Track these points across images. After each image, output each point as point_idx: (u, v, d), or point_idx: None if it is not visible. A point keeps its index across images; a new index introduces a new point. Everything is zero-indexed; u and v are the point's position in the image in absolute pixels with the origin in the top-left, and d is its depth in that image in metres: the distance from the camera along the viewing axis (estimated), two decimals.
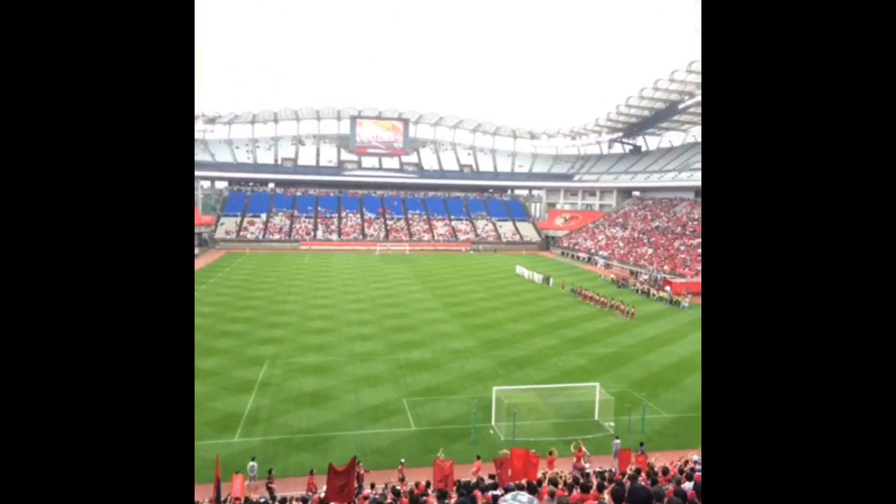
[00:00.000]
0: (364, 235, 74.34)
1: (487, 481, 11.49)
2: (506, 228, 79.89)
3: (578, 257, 66.66)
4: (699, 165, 68.85)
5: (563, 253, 70.94)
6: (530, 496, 1.73)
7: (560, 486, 9.67)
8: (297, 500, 11.71)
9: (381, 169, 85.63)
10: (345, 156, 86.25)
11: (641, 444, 15.64)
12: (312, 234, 73.33)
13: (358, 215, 78.57)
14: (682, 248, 55.42)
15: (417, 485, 11.79)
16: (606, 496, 8.68)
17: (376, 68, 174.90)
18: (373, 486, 12.31)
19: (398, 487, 12.20)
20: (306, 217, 76.54)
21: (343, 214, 78.39)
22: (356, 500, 10.62)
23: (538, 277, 48.73)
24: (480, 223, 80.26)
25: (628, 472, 11.97)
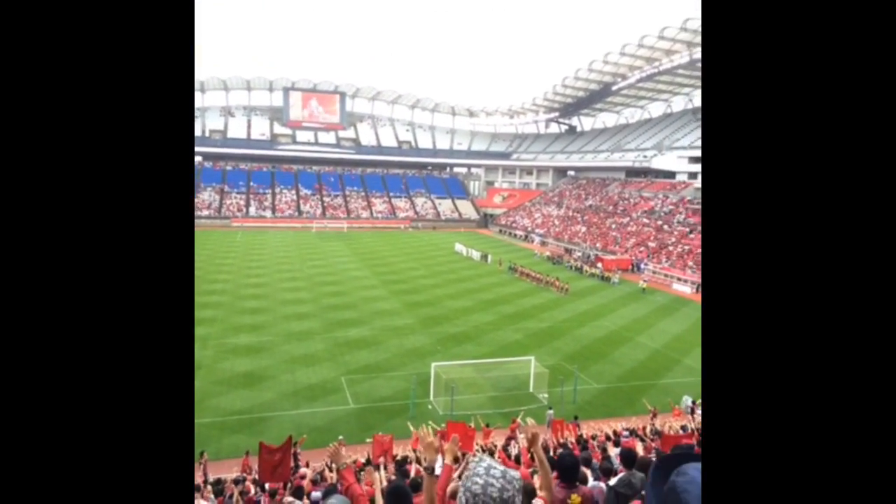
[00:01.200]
0: (300, 212, 72.34)
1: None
2: (445, 206, 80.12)
3: (516, 235, 68.01)
4: (631, 146, 71.52)
5: (500, 230, 72.13)
6: (503, 469, 1.71)
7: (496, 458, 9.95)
8: (231, 481, 11.41)
9: (316, 143, 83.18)
10: (278, 129, 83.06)
11: (576, 417, 16.33)
12: (244, 210, 70.58)
13: (293, 191, 76.22)
14: (614, 226, 57.71)
15: (355, 461, 11.79)
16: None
17: (310, 39, 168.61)
18: (308, 465, 12.18)
19: (334, 464, 12.14)
20: (237, 193, 73.44)
21: (277, 190, 75.80)
22: (292, 479, 10.48)
23: (476, 255, 49.36)
24: (420, 200, 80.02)
25: (559, 440, 12.49)
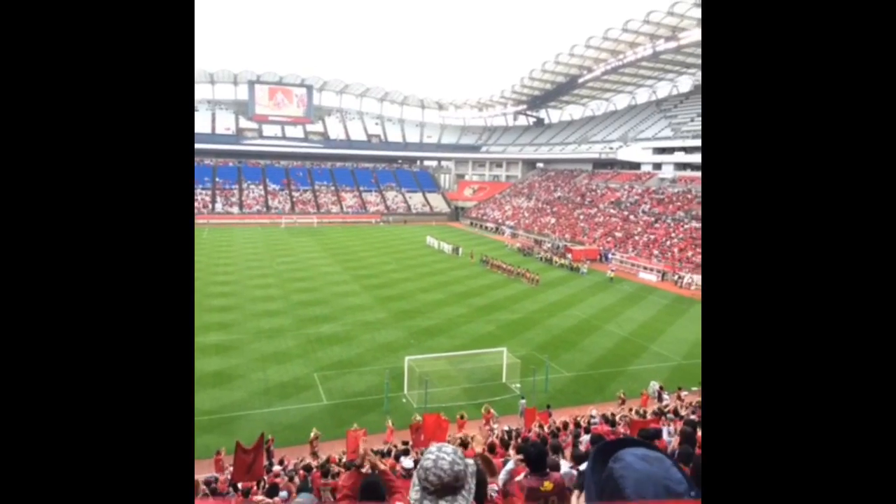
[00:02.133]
0: (268, 208, 71.13)
1: (400, 447, 11.72)
2: (415, 200, 79.89)
3: (486, 227, 68.37)
4: (598, 138, 72.54)
5: (471, 223, 72.38)
6: (455, 448, 1.72)
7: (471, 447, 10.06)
8: (203, 482, 11.26)
9: (284, 138, 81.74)
10: (244, 123, 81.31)
11: (548, 406, 16.61)
12: (210, 206, 68.97)
13: (261, 187, 74.83)
14: (582, 217, 58.56)
15: (329, 459, 11.77)
16: (511, 452, 9.16)
17: (275, 31, 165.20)
18: (282, 462, 12.11)
19: (310, 462, 12.10)
20: (203, 188, 71.65)
21: (244, 186, 74.32)
22: (266, 478, 10.41)
23: (448, 248, 49.46)
24: (390, 194, 79.60)
25: (533, 429, 12.72)
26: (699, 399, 16.96)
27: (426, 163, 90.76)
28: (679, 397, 17.35)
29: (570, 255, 45.77)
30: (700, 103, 60.57)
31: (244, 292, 32.08)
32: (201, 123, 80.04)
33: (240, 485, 10.26)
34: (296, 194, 75.07)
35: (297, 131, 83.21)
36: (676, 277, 39.11)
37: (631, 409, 15.10)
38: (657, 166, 60.89)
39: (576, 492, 3.45)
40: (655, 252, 44.51)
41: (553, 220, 60.54)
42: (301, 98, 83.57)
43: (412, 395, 18.48)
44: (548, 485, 4.37)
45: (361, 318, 27.57)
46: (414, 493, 1.66)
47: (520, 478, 4.42)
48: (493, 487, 3.11)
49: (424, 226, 68.65)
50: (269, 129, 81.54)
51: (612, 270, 41.10)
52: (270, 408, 17.55)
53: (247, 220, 66.88)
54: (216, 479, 11.33)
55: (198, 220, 65.04)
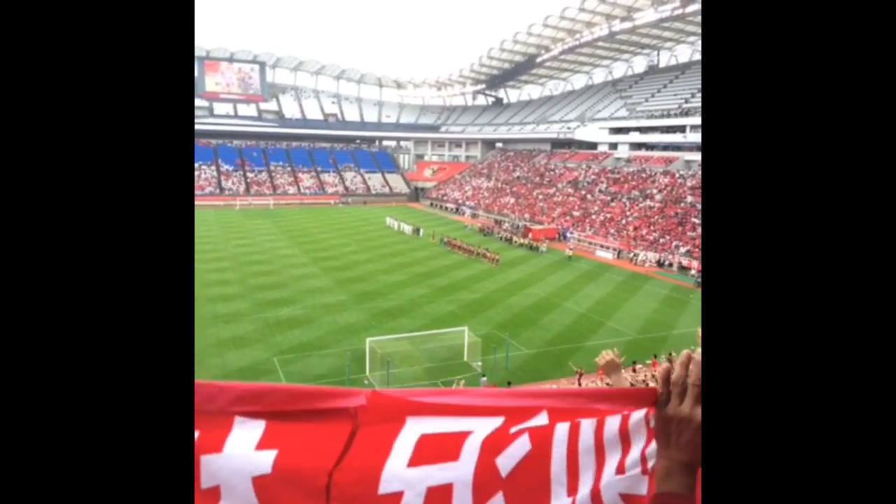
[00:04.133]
0: (221, 189, 68.94)
1: None
2: (375, 180, 78.97)
3: (447, 208, 68.37)
4: (556, 118, 73.20)
5: (431, 204, 72.23)
6: None
7: None
8: None
9: (236, 116, 79.00)
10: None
11: (509, 383, 16.94)
12: None
13: (213, 167, 72.32)
14: (541, 196, 59.27)
15: None
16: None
17: (224, 5, 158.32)
18: None
19: None
20: None
21: (196, 166, 71.64)
22: None
23: (408, 229, 49.29)
24: (349, 175, 78.37)
25: None
26: (653, 372, 17.65)
27: (385, 143, 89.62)
28: (634, 370, 17.99)
29: (530, 235, 46.38)
30: (653, 83, 61.51)
31: (198, 276, 31.15)
32: None
33: None
34: (250, 175, 72.97)
35: (250, 109, 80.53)
36: (632, 255, 40.25)
37: (588, 384, 15.57)
38: (613, 146, 62.04)
39: None
40: (612, 230, 45.61)
41: (512, 200, 61.05)
42: (254, 75, 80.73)
43: (374, 377, 18.51)
44: None
45: (321, 300, 27.28)
46: None
47: None
48: None
49: (384, 207, 68.06)
50: (220, 108, 78.57)
51: (571, 249, 41.92)
52: None
53: (199, 203, 64.52)
54: None
55: None
